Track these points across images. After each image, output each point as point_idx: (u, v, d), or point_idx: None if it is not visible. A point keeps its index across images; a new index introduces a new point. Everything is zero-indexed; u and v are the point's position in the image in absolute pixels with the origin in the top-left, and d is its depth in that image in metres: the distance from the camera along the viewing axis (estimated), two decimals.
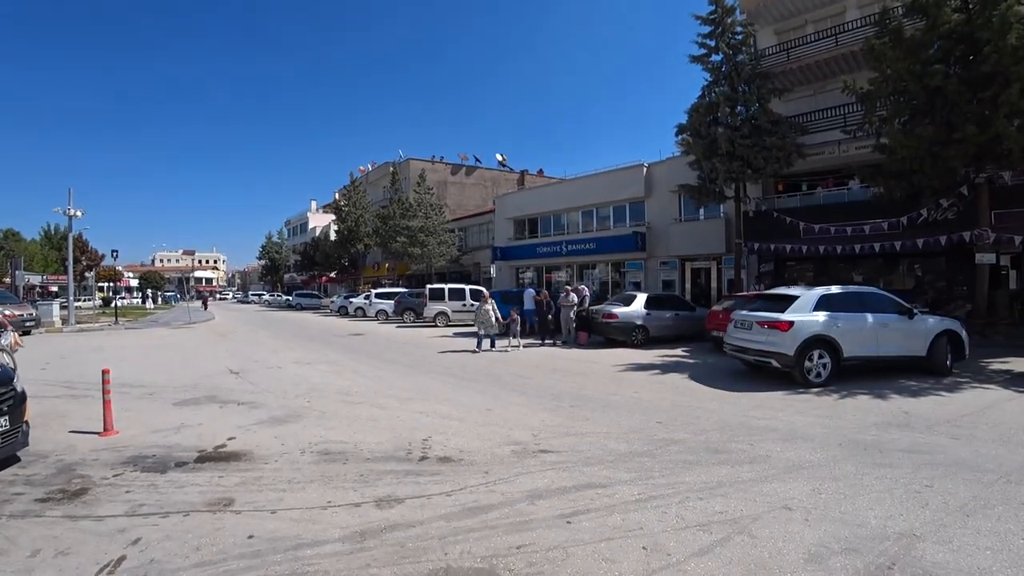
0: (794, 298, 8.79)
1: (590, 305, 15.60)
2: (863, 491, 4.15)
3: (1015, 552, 3.19)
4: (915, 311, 8.81)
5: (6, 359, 6.08)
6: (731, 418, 6.49)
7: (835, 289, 9.04)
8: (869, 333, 8.48)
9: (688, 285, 22.59)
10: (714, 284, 21.76)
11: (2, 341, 6.56)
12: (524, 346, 13.98)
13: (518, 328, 13.55)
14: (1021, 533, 3.42)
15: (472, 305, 21.81)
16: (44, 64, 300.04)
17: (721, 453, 5.18)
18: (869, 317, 8.56)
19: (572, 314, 14.89)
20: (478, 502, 4.09)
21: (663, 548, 3.32)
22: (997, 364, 9.87)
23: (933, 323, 8.92)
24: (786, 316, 8.46)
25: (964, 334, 9.00)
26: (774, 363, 8.58)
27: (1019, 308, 14.39)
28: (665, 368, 10.41)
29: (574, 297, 15.06)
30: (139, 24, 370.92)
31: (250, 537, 3.58)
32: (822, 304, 8.54)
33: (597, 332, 14.50)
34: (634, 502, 4.03)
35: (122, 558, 3.34)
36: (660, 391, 8.24)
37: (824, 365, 8.23)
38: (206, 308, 39.31)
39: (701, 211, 21.29)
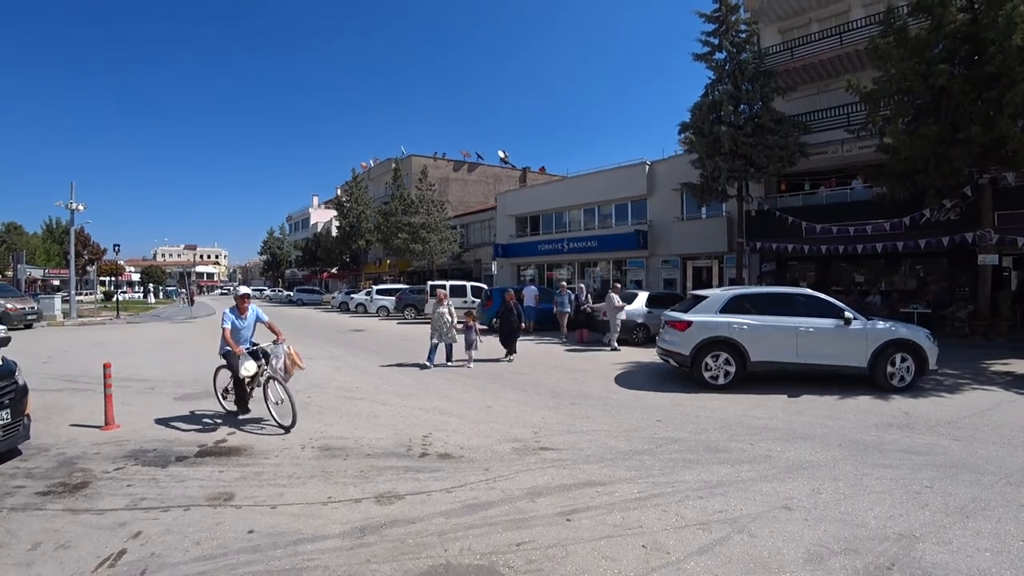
0: (704, 298, 8.70)
1: (593, 303, 15.61)
2: (863, 491, 4.15)
3: (1014, 554, 3.19)
4: (854, 317, 7.87)
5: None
6: (731, 417, 6.49)
7: (752, 290, 8.84)
8: (785, 338, 7.92)
9: (690, 284, 22.56)
10: (716, 283, 21.73)
11: (274, 361, 6.16)
12: (507, 357, 11.31)
13: (476, 337, 10.61)
14: (1021, 535, 3.42)
15: (473, 302, 21.79)
16: (47, 60, 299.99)
17: (721, 452, 5.18)
18: (788, 321, 7.98)
19: (617, 318, 13.07)
20: (478, 499, 4.10)
21: (663, 546, 3.33)
22: (998, 366, 9.86)
23: (879, 331, 7.84)
24: (686, 316, 8.45)
25: (927, 344, 7.81)
26: (672, 362, 8.71)
27: (1021, 310, 14.36)
28: (665, 366, 10.41)
29: (616, 299, 13.09)
30: (141, 20, 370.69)
31: (250, 532, 3.59)
32: (733, 305, 8.29)
33: (598, 330, 14.50)
34: (634, 500, 4.04)
35: (123, 551, 3.35)
36: (660, 389, 8.23)
37: (727, 369, 8.03)
38: (192, 303, 37.25)
39: (703, 210, 21.24)
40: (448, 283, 23.35)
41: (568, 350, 13.10)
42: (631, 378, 9.27)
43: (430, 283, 23.45)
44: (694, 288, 22.09)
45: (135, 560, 3.24)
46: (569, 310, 15.25)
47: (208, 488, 4.36)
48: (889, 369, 7.76)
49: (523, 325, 12.45)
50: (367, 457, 5.14)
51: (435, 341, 10.57)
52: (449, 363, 10.62)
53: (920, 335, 7.93)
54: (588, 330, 14.78)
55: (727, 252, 20.44)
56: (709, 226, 21.26)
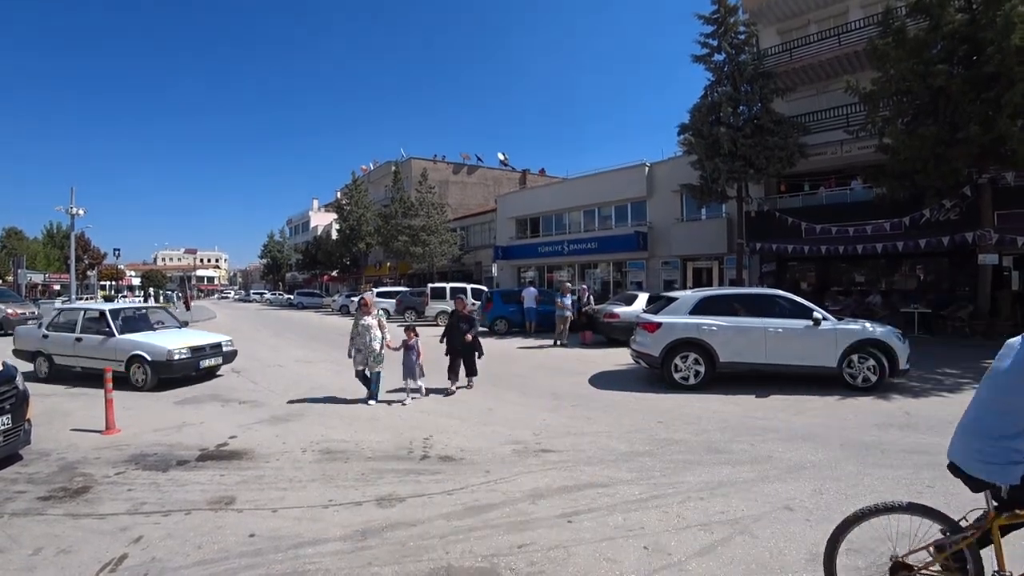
0: (675, 300, 8.72)
1: (596, 305, 15.59)
2: (864, 491, 4.14)
3: (1016, 553, 3.17)
4: (823, 317, 7.85)
5: None
6: (732, 418, 6.49)
7: (722, 291, 8.85)
8: (754, 339, 7.96)
9: (690, 285, 22.55)
10: (716, 284, 21.72)
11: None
12: (468, 385, 8.56)
13: (417, 361, 7.78)
14: (1021, 534, 3.40)
15: (473, 304, 21.72)
16: (47, 63, 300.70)
17: (722, 453, 5.17)
18: (756, 322, 8.02)
19: (565, 314, 13.95)
20: (479, 501, 4.09)
21: (664, 548, 3.32)
22: None
23: (848, 331, 7.81)
24: (656, 318, 8.50)
25: (897, 344, 7.74)
26: (643, 363, 8.74)
27: (1021, 309, 14.34)
28: None
29: (565, 301, 13.90)
30: (140, 24, 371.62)
31: (251, 536, 3.58)
32: (703, 306, 8.33)
33: (599, 332, 14.48)
34: (635, 502, 4.03)
35: (124, 556, 3.35)
36: (661, 391, 8.23)
37: (697, 369, 8.09)
38: (188, 309, 37.18)
39: (703, 211, 21.25)
40: (448, 285, 23.35)
41: (569, 352, 13.09)
42: (632, 380, 9.26)
43: (431, 285, 23.43)
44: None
45: (136, 565, 3.24)
46: (570, 313, 14.57)
47: (209, 492, 4.36)
48: (853, 369, 7.76)
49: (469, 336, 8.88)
50: (368, 460, 5.13)
51: (359, 368, 7.65)
52: (371, 401, 7.53)
53: (890, 335, 7.85)
54: (591, 332, 14.76)
55: (727, 253, 20.43)
56: (709, 227, 21.26)
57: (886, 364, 7.65)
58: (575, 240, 27.09)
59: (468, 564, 3.18)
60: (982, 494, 2.35)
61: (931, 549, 2.46)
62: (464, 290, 23.11)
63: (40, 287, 40.49)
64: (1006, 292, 14.13)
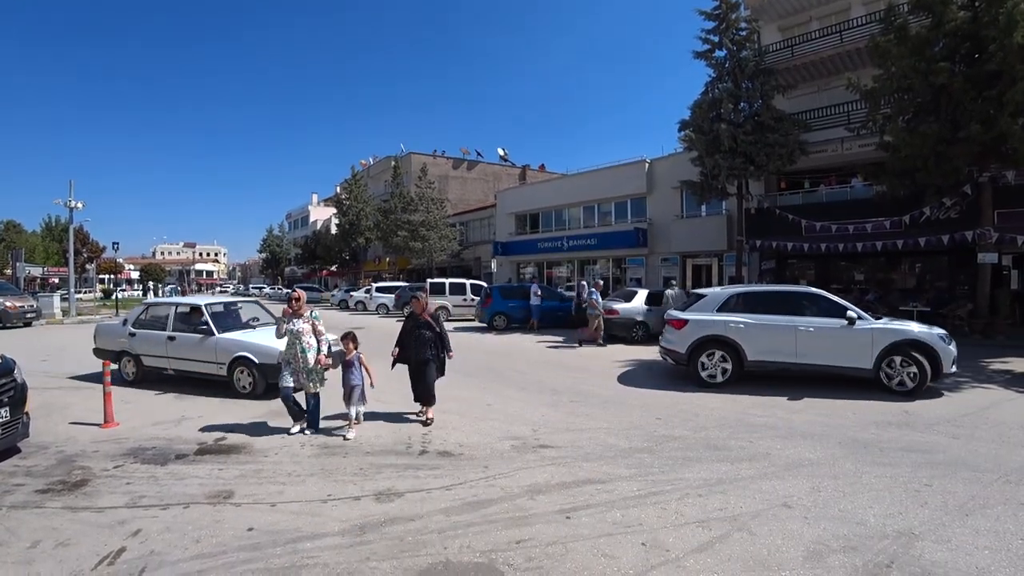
0: (703, 296, 8.66)
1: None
2: (862, 489, 4.15)
3: (1013, 552, 3.19)
4: (859, 316, 7.55)
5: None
6: (731, 415, 6.49)
7: (753, 288, 8.78)
8: (784, 337, 7.76)
9: (689, 282, 22.55)
10: (715, 281, 21.72)
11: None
12: (422, 416, 6.41)
13: (360, 385, 6.00)
14: (1020, 533, 3.42)
15: (472, 300, 21.69)
16: (47, 59, 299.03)
17: (720, 450, 5.18)
18: (786, 320, 7.81)
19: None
20: (477, 496, 4.10)
21: (662, 544, 3.33)
22: (997, 364, 9.85)
23: (886, 331, 7.43)
24: (683, 314, 8.48)
25: (941, 345, 7.24)
26: (671, 360, 8.71)
27: (1020, 308, 14.36)
28: (665, 365, 10.40)
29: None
30: (140, 20, 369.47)
31: (250, 529, 3.59)
32: (731, 303, 8.24)
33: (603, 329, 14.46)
34: (633, 498, 4.04)
35: (122, 549, 3.35)
36: (660, 388, 8.24)
37: (724, 367, 8.01)
38: None
39: (703, 208, 21.20)
40: (447, 280, 23.33)
41: (569, 348, 13.09)
42: (631, 376, 9.27)
43: (430, 280, 23.40)
44: (693, 287, 22.15)
45: (134, 558, 3.24)
46: (599, 311, 13.43)
47: (208, 486, 4.36)
48: (890, 371, 7.38)
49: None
50: (366, 455, 5.14)
51: (289, 384, 5.85)
52: (307, 430, 5.93)
53: (932, 336, 7.35)
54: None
55: (727, 250, 20.42)
56: (709, 224, 21.23)
57: (928, 367, 7.18)
58: (575, 236, 27.06)
59: (466, 559, 3.19)
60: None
61: None
62: (463, 285, 23.13)
63: (39, 280, 40.42)
64: (1005, 291, 14.14)
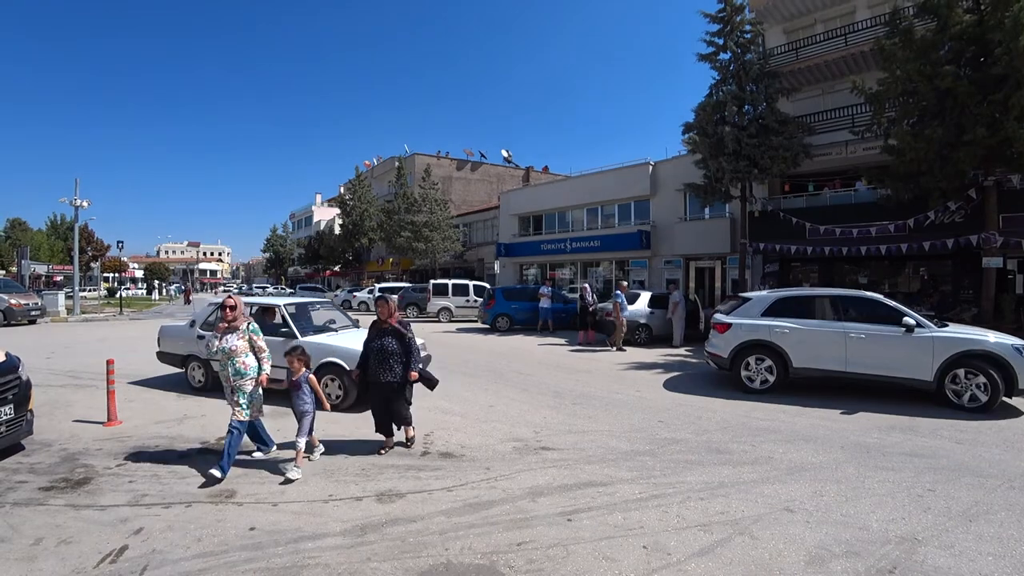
0: (749, 300, 8.46)
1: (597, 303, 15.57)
2: (865, 494, 4.13)
3: (1017, 558, 3.17)
4: (917, 323, 7.02)
5: None
6: (733, 418, 6.48)
7: (800, 291, 8.53)
8: (833, 344, 7.40)
9: (692, 285, 22.52)
10: (718, 284, 21.69)
11: None
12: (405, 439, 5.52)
13: (311, 413, 4.78)
14: (1023, 539, 3.40)
15: (475, 301, 21.68)
16: (52, 59, 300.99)
17: (723, 453, 5.17)
18: (835, 326, 7.46)
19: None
20: (479, 498, 4.10)
21: (664, 547, 3.32)
22: None
23: (949, 341, 6.82)
24: (727, 318, 8.34)
25: (1016, 358, 6.49)
26: (711, 364, 8.61)
27: None
28: (668, 367, 10.39)
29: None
30: (149, 21, 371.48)
31: (251, 529, 3.59)
32: (778, 307, 7.96)
33: (601, 330, 14.47)
34: (635, 501, 4.03)
35: (124, 548, 3.36)
36: (662, 390, 8.22)
37: (769, 373, 7.80)
38: (188, 302, 35.86)
39: (706, 210, 21.19)
40: (450, 281, 23.35)
41: (572, 351, 13.09)
42: (634, 379, 9.26)
43: (433, 281, 23.44)
44: (696, 290, 22.12)
45: (137, 556, 3.25)
46: (626, 314, 13.32)
47: (210, 485, 4.37)
48: (957, 386, 6.75)
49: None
50: (368, 455, 5.14)
51: (244, 416, 4.65)
52: (256, 452, 5.12)
53: (1006, 347, 6.61)
54: (594, 330, 14.74)
55: (730, 253, 20.38)
56: (712, 227, 21.20)
57: (1000, 382, 6.48)
58: (578, 238, 27.04)
59: (467, 561, 3.18)
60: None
61: None
62: (466, 286, 23.13)
63: (44, 278, 40.60)
64: (1010, 295, 14.06)
